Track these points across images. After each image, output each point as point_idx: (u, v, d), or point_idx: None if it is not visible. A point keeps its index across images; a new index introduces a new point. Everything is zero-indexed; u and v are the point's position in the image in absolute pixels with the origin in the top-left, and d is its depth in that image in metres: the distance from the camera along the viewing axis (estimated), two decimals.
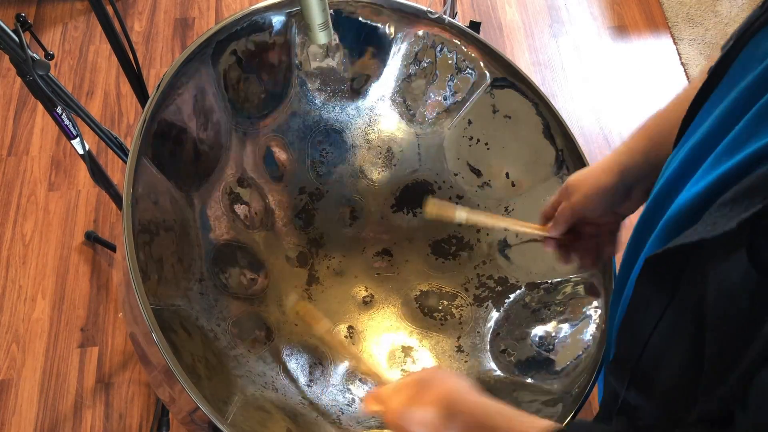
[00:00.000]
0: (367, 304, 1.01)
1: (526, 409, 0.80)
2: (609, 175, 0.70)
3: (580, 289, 0.89)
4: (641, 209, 0.63)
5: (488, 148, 1.00)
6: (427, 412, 0.58)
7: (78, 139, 1.09)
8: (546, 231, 0.75)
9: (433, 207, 0.81)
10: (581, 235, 0.75)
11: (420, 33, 0.97)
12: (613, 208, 0.71)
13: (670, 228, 0.51)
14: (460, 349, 0.95)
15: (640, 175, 0.70)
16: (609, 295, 0.83)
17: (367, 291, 1.02)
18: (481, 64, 0.96)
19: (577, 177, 0.72)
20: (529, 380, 0.86)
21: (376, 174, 1.05)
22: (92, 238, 1.67)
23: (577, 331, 0.85)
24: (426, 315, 0.99)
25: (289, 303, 0.93)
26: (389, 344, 0.98)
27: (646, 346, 0.51)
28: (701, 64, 2.08)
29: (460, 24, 0.96)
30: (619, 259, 0.74)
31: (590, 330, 0.84)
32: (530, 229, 0.78)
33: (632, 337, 0.54)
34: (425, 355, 0.96)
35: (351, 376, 0.92)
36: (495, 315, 0.95)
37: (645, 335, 0.51)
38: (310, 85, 0.98)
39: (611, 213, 0.72)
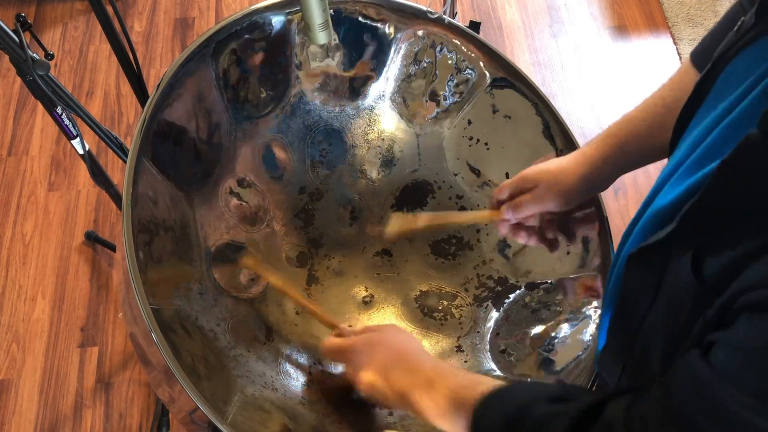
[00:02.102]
0: (367, 304, 1.01)
1: None
2: (575, 183, 0.75)
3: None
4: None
5: (488, 148, 1.00)
6: (371, 376, 0.69)
7: (78, 139, 1.09)
8: (499, 216, 0.81)
9: (394, 225, 0.88)
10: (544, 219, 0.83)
11: (420, 33, 0.97)
12: (574, 204, 0.78)
13: (646, 229, 0.56)
14: (459, 349, 0.95)
15: (605, 179, 0.76)
16: None
17: (366, 291, 1.02)
18: (481, 64, 0.96)
19: (544, 174, 0.77)
20: (529, 380, 0.86)
21: (376, 174, 1.05)
22: (92, 238, 1.67)
23: (576, 331, 0.85)
24: (426, 315, 0.99)
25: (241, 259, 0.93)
26: None
27: (636, 337, 0.55)
28: None
29: (460, 24, 0.96)
30: None
31: (590, 330, 0.84)
32: (485, 217, 0.86)
33: (624, 329, 0.57)
34: None
35: None
36: (495, 315, 0.95)
37: (635, 326, 0.55)
38: (310, 85, 0.98)
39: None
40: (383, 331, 0.79)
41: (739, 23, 0.51)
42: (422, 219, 0.88)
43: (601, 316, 0.82)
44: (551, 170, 0.77)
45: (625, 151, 0.73)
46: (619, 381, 0.59)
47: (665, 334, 0.50)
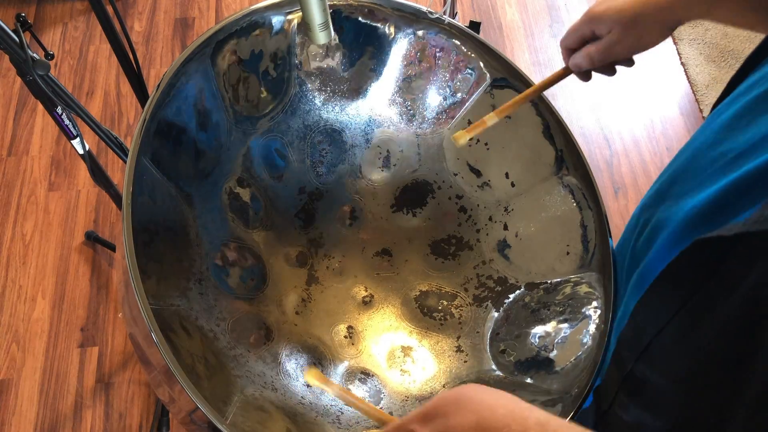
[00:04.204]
0: (367, 304, 1.01)
1: None
2: (658, 27, 0.66)
3: (580, 289, 0.89)
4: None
5: (488, 148, 1.00)
6: None
7: (78, 139, 1.09)
8: (563, 74, 0.78)
9: (462, 135, 0.81)
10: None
11: (420, 33, 0.97)
12: (647, 49, 0.70)
13: (724, 199, 0.50)
14: (459, 349, 0.95)
15: (688, 18, 0.66)
16: (608, 295, 0.83)
17: (366, 291, 1.02)
18: (481, 64, 0.96)
19: (619, 15, 0.67)
20: (529, 380, 0.86)
21: (376, 174, 1.05)
22: (92, 238, 1.67)
23: (576, 331, 0.85)
24: (425, 315, 1.00)
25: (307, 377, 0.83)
26: (389, 344, 0.98)
27: (671, 321, 0.51)
28: (701, 64, 2.08)
29: (460, 24, 0.97)
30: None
31: (590, 330, 0.84)
32: (554, 79, 0.80)
33: (656, 309, 0.53)
34: (425, 355, 0.96)
35: (350, 376, 0.92)
36: (494, 315, 0.95)
37: (673, 310, 0.51)
38: (310, 85, 0.98)
39: None
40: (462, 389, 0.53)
41: None
42: (489, 117, 0.80)
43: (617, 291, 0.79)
44: (625, 11, 0.66)
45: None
46: (635, 363, 0.55)
47: (710, 343, 0.46)
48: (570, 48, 0.75)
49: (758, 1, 0.59)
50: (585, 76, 0.78)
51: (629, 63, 0.75)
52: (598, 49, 0.71)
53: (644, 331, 0.54)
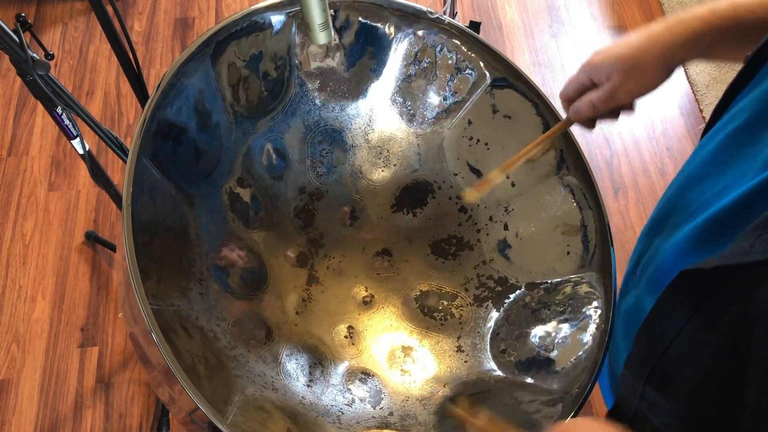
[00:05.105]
0: (367, 304, 1.01)
1: (526, 408, 0.81)
2: (662, 74, 0.67)
3: (581, 289, 0.89)
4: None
5: (488, 148, 1.00)
6: None
7: (78, 139, 1.09)
8: (564, 126, 0.79)
9: (472, 194, 0.88)
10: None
11: (420, 33, 0.97)
12: (648, 93, 0.70)
13: (707, 232, 0.51)
14: (460, 349, 0.95)
15: (683, 61, 0.67)
16: (609, 295, 0.83)
17: (367, 291, 1.02)
18: (481, 64, 0.96)
19: (616, 62, 0.67)
20: (529, 380, 0.86)
21: (376, 174, 1.05)
22: (92, 238, 1.67)
23: (577, 331, 0.85)
24: (426, 315, 1.00)
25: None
26: (389, 344, 0.98)
27: (667, 349, 0.52)
28: (701, 64, 2.08)
29: (460, 24, 0.96)
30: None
31: (590, 330, 0.84)
32: (553, 135, 0.82)
33: (653, 338, 0.54)
34: (425, 355, 0.96)
35: (351, 376, 0.92)
36: (495, 315, 0.95)
37: (668, 339, 0.52)
38: (310, 85, 0.98)
39: None
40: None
41: None
42: (495, 175, 0.85)
43: (614, 315, 0.79)
44: (624, 56, 0.67)
45: (713, 39, 0.62)
46: (643, 388, 0.56)
47: (719, 356, 0.47)
48: (570, 98, 0.75)
49: (751, 35, 0.59)
50: (589, 124, 0.77)
51: (631, 110, 0.74)
52: (600, 97, 0.71)
53: (648, 358, 0.55)
